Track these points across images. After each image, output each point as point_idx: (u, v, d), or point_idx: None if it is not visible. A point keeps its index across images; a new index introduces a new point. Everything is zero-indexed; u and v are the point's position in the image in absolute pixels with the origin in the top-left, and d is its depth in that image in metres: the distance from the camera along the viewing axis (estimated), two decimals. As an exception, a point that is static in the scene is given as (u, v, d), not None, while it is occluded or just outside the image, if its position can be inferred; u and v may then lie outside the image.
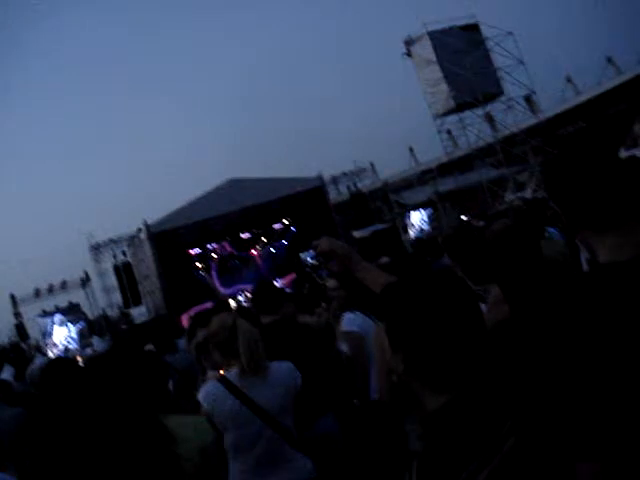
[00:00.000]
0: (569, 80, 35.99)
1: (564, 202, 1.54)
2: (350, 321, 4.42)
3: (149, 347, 6.55)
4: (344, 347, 4.54)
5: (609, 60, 33.95)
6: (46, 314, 26.06)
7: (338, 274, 2.48)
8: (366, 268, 2.35)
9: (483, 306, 3.23)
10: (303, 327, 4.77)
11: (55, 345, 25.35)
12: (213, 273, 29.37)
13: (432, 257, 6.88)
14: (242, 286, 28.98)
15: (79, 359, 22.67)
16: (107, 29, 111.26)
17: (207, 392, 3.29)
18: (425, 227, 29.26)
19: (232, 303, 27.31)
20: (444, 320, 1.47)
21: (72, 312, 26.84)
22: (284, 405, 3.36)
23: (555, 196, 1.58)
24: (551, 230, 5.92)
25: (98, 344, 25.66)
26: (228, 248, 30.02)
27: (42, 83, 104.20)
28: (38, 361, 4.46)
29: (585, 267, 4.31)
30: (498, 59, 28.04)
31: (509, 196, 28.48)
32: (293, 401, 3.43)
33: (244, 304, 26.42)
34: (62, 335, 25.56)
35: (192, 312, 25.92)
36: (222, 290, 28.95)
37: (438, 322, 1.47)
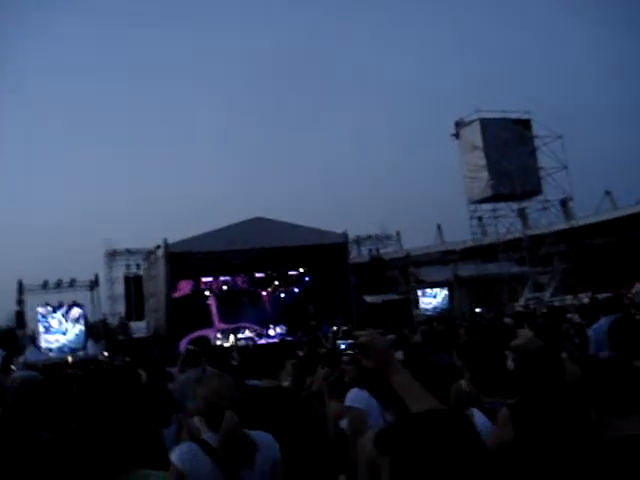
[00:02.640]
0: (608, 193, 36.07)
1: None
2: (356, 396, 4.37)
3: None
4: (344, 423, 4.49)
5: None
6: (49, 307, 26.07)
7: (367, 370, 2.43)
8: (403, 376, 2.29)
9: (488, 422, 3.23)
10: (293, 396, 4.73)
11: (49, 341, 25.35)
12: (214, 306, 29.41)
13: (439, 349, 6.78)
14: (245, 324, 28.99)
15: (69, 359, 22.76)
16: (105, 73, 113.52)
17: (184, 452, 3.21)
18: (438, 307, 29.16)
19: (231, 338, 27.35)
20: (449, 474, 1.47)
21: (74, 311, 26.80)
22: (264, 477, 3.30)
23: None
24: (569, 349, 5.79)
25: (91, 348, 25.67)
26: (240, 284, 30.10)
27: (80, 93, 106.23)
28: (18, 374, 4.40)
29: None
30: (543, 159, 28.19)
31: (527, 295, 28.31)
32: (273, 473, 3.37)
33: (243, 341, 26.46)
34: (58, 332, 25.55)
35: (191, 337, 26.05)
36: (220, 324, 28.94)
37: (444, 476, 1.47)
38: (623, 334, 4.52)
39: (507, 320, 11.26)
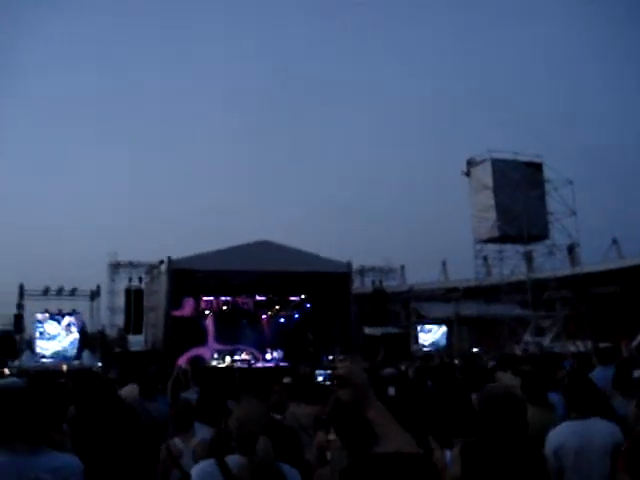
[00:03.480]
0: (615, 242, 36.05)
1: None
2: None
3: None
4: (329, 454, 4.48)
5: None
6: (46, 313, 26.02)
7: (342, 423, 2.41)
8: (379, 412, 2.23)
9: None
10: (279, 426, 4.69)
11: (44, 347, 25.29)
12: (212, 325, 29.34)
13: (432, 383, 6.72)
14: (242, 346, 28.91)
15: (64, 367, 22.70)
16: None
17: (200, 470, 3.18)
18: (435, 344, 29.04)
19: (227, 359, 27.26)
20: None
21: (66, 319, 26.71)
22: None
23: None
24: (553, 396, 5.74)
25: (87, 358, 25.60)
26: (240, 305, 30.05)
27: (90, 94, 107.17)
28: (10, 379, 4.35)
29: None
30: (552, 203, 28.19)
31: (527, 338, 28.18)
32: None
33: (239, 363, 26.38)
34: (53, 338, 25.50)
35: (188, 356, 25.97)
36: (217, 345, 28.85)
37: None
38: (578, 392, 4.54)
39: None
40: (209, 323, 29.29)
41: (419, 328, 29.56)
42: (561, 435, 4.34)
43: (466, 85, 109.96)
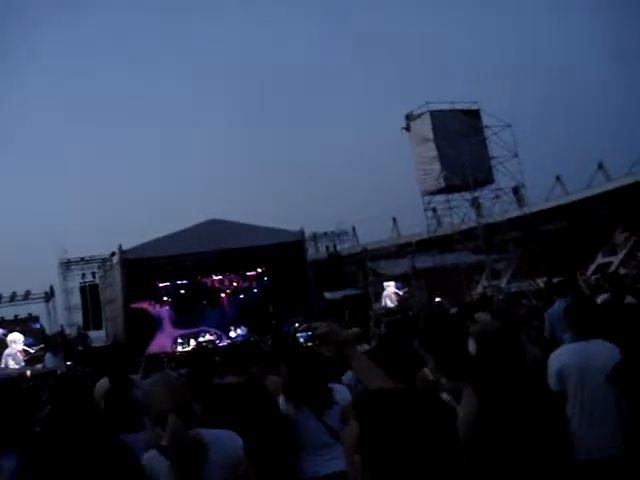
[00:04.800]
0: (558, 179, 36.71)
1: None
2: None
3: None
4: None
5: (600, 166, 34.69)
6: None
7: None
8: (362, 361, 2.38)
9: (452, 401, 3.28)
10: (265, 394, 4.72)
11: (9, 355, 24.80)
12: (171, 311, 29.09)
13: (404, 341, 6.81)
14: (204, 328, 28.80)
15: (28, 373, 22.34)
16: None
17: (147, 458, 3.20)
18: (395, 298, 29.28)
19: (192, 342, 27.15)
20: (418, 448, 1.46)
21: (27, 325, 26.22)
22: (221, 474, 3.27)
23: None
24: (530, 332, 5.88)
25: (50, 361, 25.19)
26: (198, 287, 29.87)
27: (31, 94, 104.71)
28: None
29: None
30: (494, 148, 28.43)
31: (484, 283, 28.65)
32: (231, 469, 3.33)
33: (204, 345, 26.27)
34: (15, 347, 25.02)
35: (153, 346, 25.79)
36: (179, 330, 28.64)
37: (412, 449, 1.46)
38: (579, 315, 4.62)
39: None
40: (168, 309, 29.01)
41: (380, 287, 29.69)
42: (563, 356, 4.46)
43: (399, 42, 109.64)
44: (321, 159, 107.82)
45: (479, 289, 28.17)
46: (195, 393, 5.20)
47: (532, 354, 5.09)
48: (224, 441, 3.31)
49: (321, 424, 4.44)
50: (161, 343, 27.31)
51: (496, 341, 3.29)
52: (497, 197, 28.60)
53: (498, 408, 3.02)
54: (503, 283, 28.16)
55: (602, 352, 4.34)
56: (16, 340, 24.68)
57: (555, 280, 12.17)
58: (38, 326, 26.01)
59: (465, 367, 3.44)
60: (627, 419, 3.99)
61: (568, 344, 4.66)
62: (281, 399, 4.69)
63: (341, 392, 4.64)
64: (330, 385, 4.63)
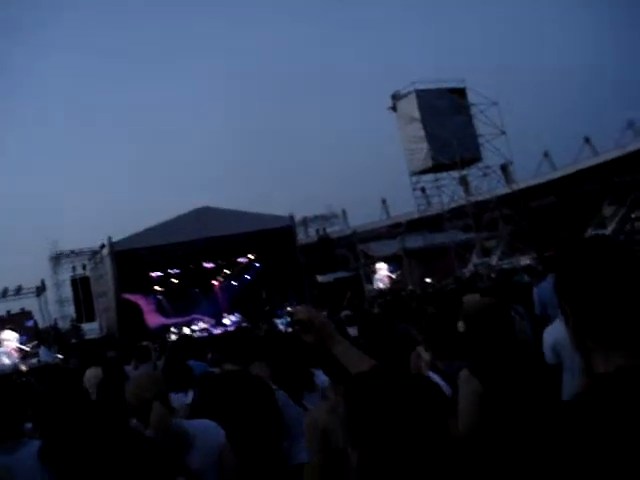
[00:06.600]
0: (546, 155, 36.76)
1: (574, 306, 1.39)
2: None
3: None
4: None
5: (587, 140, 34.76)
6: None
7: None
8: (343, 345, 2.31)
9: (446, 386, 3.25)
10: (262, 382, 4.71)
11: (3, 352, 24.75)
12: (163, 301, 29.04)
13: (397, 320, 6.83)
14: (198, 316, 28.77)
15: (23, 368, 22.28)
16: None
17: None
18: (388, 281, 29.32)
19: (186, 330, 27.11)
20: (406, 427, 1.45)
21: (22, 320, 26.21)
22: (205, 467, 3.26)
23: (566, 298, 1.42)
24: (517, 308, 5.88)
25: (44, 354, 25.15)
26: (190, 275, 29.82)
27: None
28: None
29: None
30: (481, 126, 28.48)
31: (475, 260, 28.72)
32: (215, 458, 3.32)
33: (198, 333, 26.25)
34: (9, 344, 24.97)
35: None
36: (172, 319, 28.56)
37: (400, 429, 1.45)
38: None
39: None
40: (161, 298, 28.97)
41: (372, 269, 29.73)
42: (557, 330, 4.46)
43: (389, 22, 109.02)
44: (309, 142, 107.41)
45: (470, 267, 28.25)
46: (171, 382, 5.22)
47: (521, 330, 5.09)
48: (207, 430, 3.32)
49: (301, 408, 4.43)
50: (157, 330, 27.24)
51: (481, 318, 3.24)
52: (485, 175, 28.67)
53: (504, 391, 2.91)
54: (494, 260, 28.26)
55: None
56: (9, 338, 24.61)
57: (546, 254, 12.21)
58: (31, 323, 25.99)
59: (455, 346, 3.44)
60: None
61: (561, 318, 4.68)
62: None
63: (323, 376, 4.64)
64: (312, 370, 4.61)
